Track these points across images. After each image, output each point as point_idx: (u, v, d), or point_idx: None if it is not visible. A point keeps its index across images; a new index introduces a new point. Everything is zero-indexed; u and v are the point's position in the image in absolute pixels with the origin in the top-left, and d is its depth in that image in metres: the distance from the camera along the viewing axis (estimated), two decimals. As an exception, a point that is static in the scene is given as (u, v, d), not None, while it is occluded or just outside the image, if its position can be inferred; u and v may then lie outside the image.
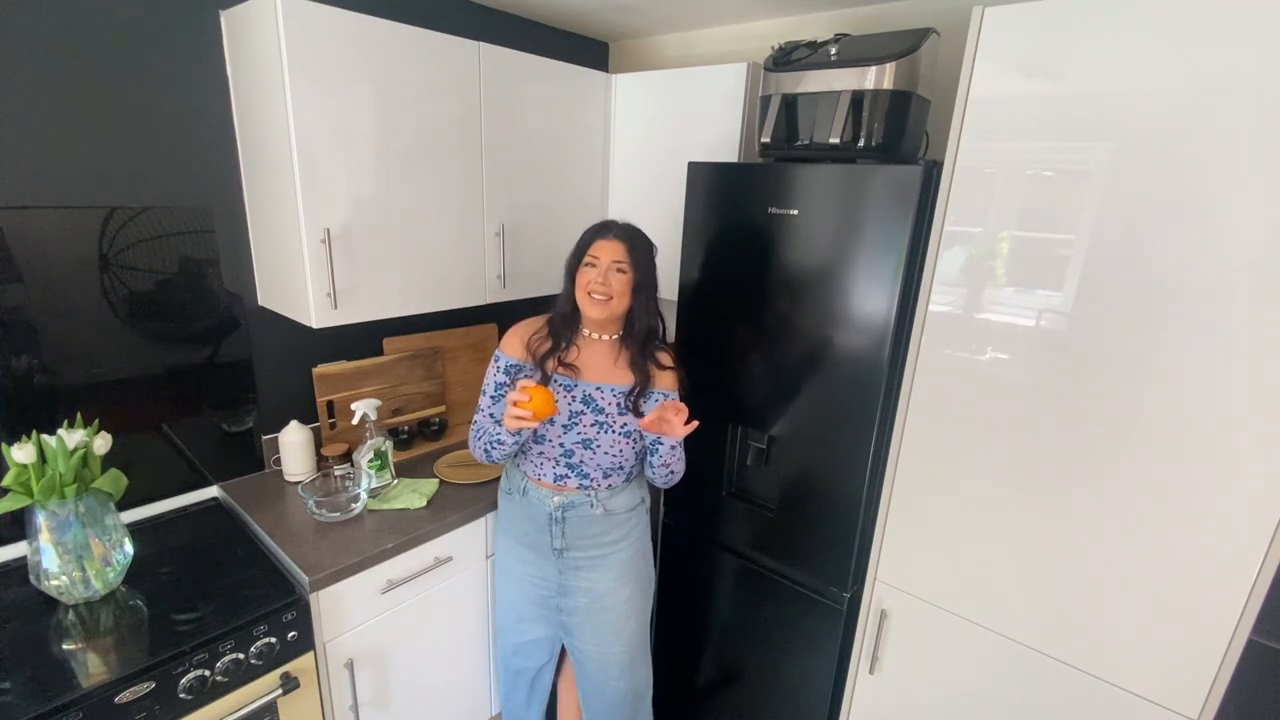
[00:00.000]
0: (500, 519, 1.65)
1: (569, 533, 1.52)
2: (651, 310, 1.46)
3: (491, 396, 1.50)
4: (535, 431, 1.46)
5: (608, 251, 1.41)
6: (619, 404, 1.46)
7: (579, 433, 1.45)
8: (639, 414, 1.44)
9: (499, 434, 1.42)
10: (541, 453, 1.49)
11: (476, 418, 1.53)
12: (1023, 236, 1.24)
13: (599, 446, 1.46)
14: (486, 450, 1.48)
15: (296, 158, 1.41)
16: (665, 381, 1.49)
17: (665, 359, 1.50)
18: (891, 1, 1.78)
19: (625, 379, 1.47)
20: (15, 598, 1.34)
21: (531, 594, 1.60)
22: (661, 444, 1.45)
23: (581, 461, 1.47)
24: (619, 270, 1.40)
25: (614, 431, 1.45)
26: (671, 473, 1.51)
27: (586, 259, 1.43)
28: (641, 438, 1.48)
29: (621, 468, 1.50)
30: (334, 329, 1.59)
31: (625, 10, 2.00)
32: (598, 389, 1.45)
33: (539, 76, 1.87)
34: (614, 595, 1.57)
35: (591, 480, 1.49)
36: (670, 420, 1.34)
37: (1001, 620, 1.39)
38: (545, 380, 1.45)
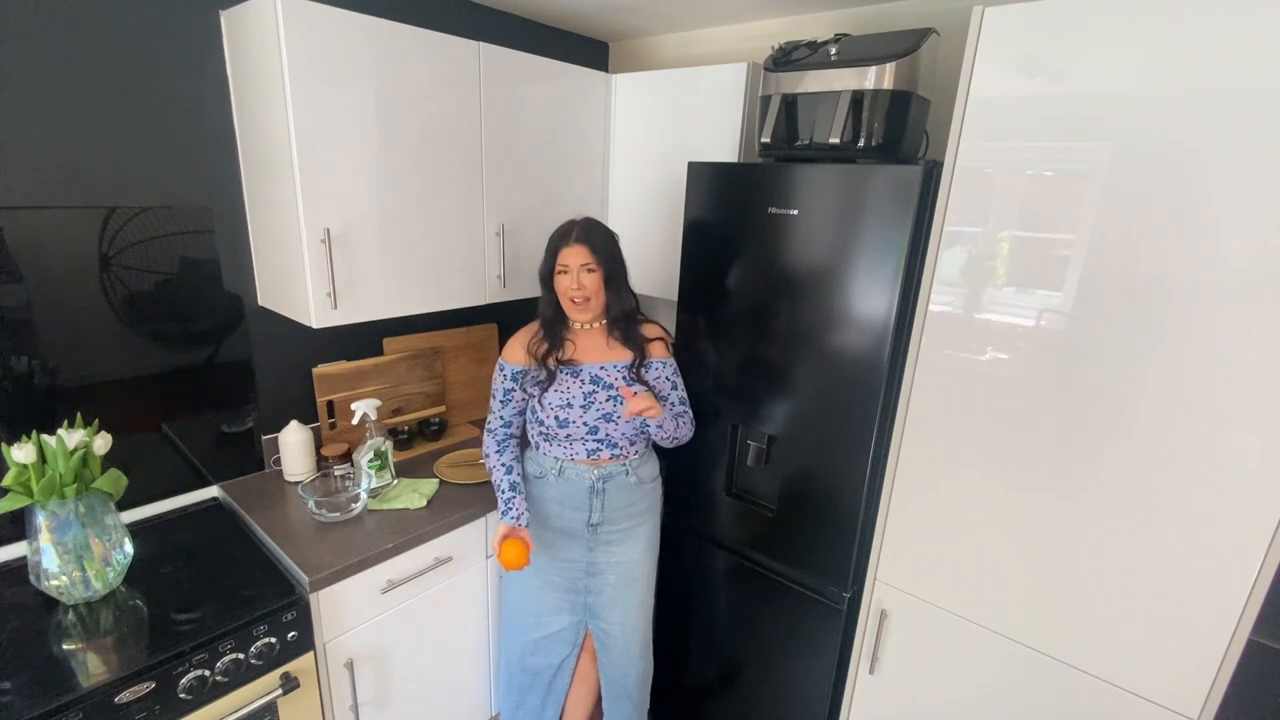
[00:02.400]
0: None
1: (608, 504, 1.59)
2: (624, 295, 1.57)
3: (501, 400, 1.61)
4: (557, 418, 1.55)
5: (574, 257, 1.50)
6: (624, 377, 1.57)
7: (598, 409, 1.55)
8: (645, 382, 1.57)
9: (499, 494, 1.56)
10: (569, 435, 1.56)
11: (490, 421, 1.63)
12: (1023, 236, 1.24)
13: (619, 417, 1.56)
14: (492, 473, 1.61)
15: (296, 158, 1.41)
16: (658, 350, 1.63)
17: (651, 330, 1.63)
18: (891, 1, 1.78)
19: (623, 355, 1.59)
20: (15, 598, 1.33)
21: (558, 580, 1.64)
22: (649, 425, 1.56)
23: (608, 435, 1.57)
24: (588, 271, 1.51)
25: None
26: (675, 439, 1.62)
27: (558, 268, 1.53)
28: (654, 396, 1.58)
29: (643, 432, 1.61)
30: (334, 329, 1.59)
31: (625, 10, 2.00)
32: (601, 368, 1.57)
33: (539, 76, 1.87)
34: (640, 568, 1.66)
35: (621, 449, 1.59)
36: (635, 407, 1.45)
37: (1001, 620, 1.39)
38: (550, 378, 1.54)
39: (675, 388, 1.63)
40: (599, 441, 1.56)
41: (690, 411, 1.65)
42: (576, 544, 1.62)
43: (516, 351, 1.58)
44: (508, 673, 1.77)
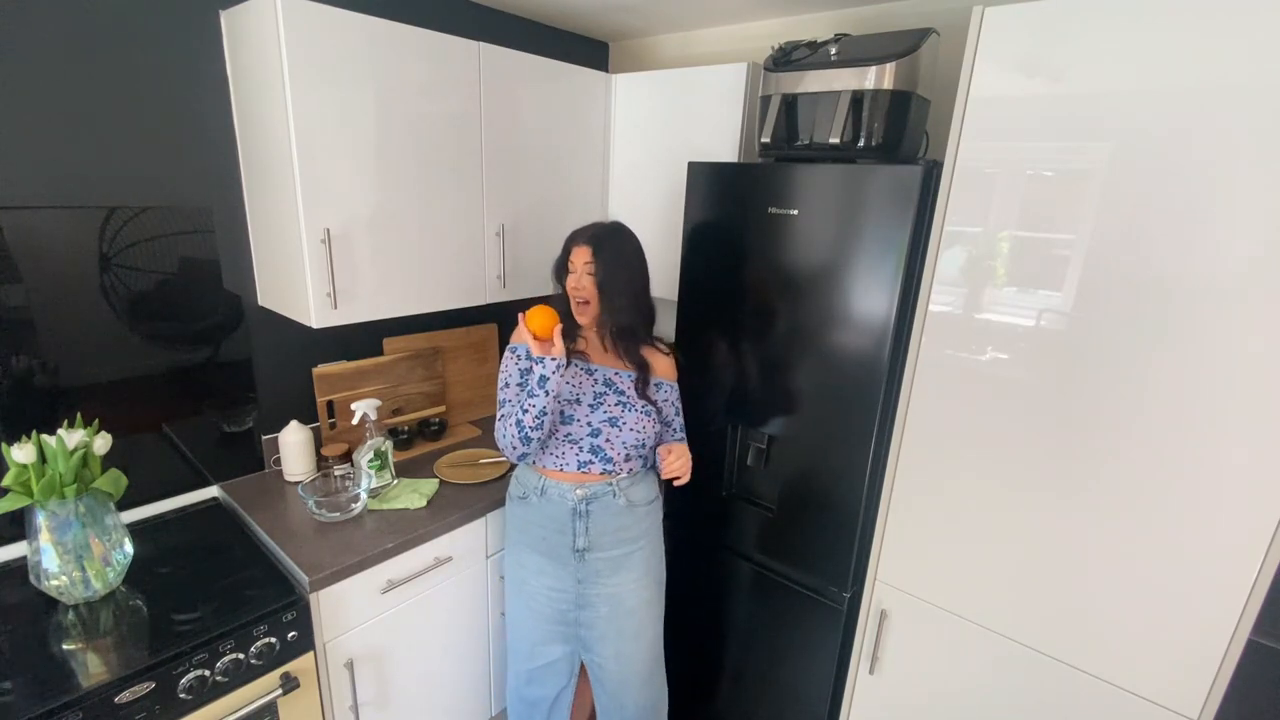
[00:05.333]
0: (511, 530, 1.61)
1: (593, 528, 1.51)
2: (622, 306, 1.47)
3: (519, 384, 1.50)
4: (563, 413, 1.48)
5: (579, 256, 1.47)
6: (634, 387, 1.53)
7: (605, 411, 1.50)
8: (650, 400, 1.53)
9: (531, 401, 1.40)
10: (569, 434, 1.48)
11: (503, 410, 1.50)
12: (1023, 236, 1.24)
13: (624, 424, 1.50)
14: (518, 421, 1.42)
15: (296, 158, 1.41)
16: (663, 369, 1.58)
17: (660, 348, 1.59)
18: (891, 1, 1.78)
19: (627, 368, 1.55)
20: (15, 598, 1.33)
21: (548, 610, 1.57)
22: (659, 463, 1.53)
23: (608, 441, 1.49)
24: (589, 273, 1.46)
25: (636, 410, 1.51)
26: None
27: (568, 266, 1.50)
28: (659, 415, 1.56)
29: (642, 445, 1.52)
30: (334, 329, 1.59)
31: (625, 10, 2.00)
32: (616, 374, 1.54)
33: (539, 76, 1.87)
34: (635, 597, 1.57)
35: (614, 464, 1.50)
36: (671, 469, 1.47)
37: (1001, 620, 1.39)
38: (567, 362, 1.46)
39: (678, 414, 1.60)
40: (594, 451, 1.48)
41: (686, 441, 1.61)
42: (563, 571, 1.53)
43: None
44: (510, 702, 1.73)
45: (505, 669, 1.76)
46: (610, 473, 1.51)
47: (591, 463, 1.49)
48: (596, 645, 1.58)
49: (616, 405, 1.50)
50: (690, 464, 1.48)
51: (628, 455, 1.51)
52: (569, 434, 1.49)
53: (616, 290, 1.46)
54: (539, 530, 1.54)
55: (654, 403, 1.54)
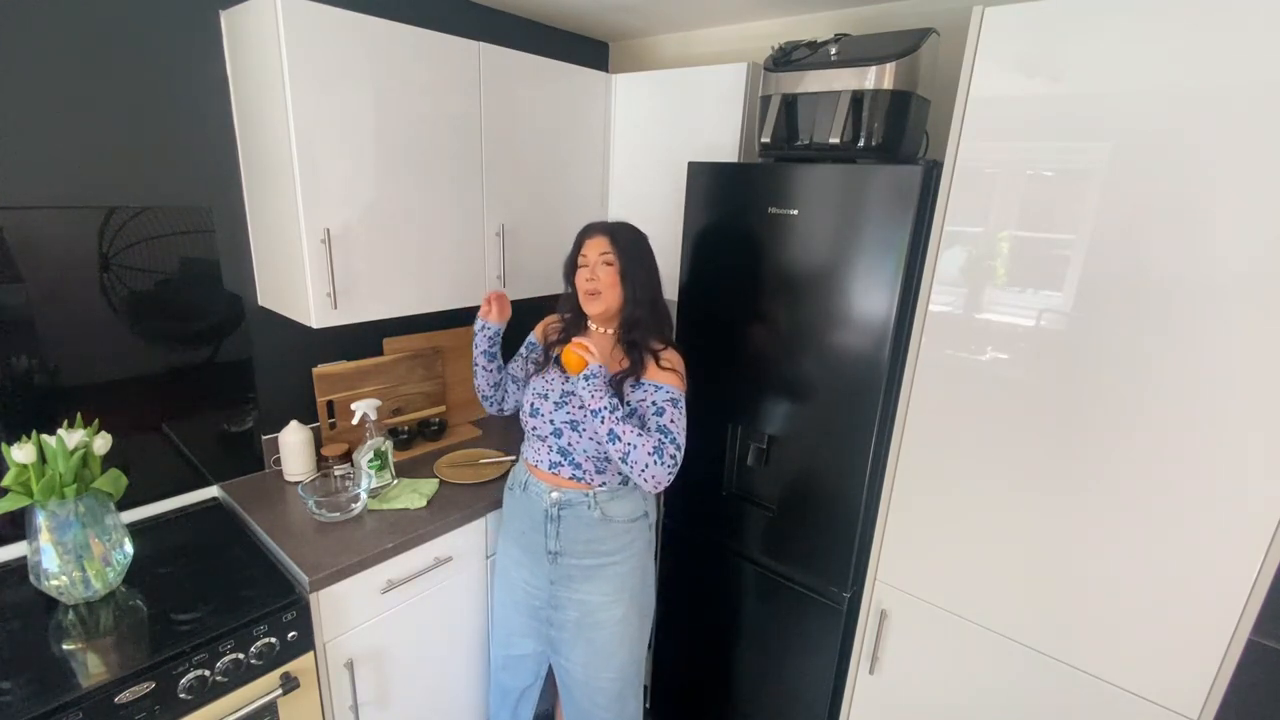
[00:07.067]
0: (505, 518, 1.66)
1: (564, 534, 1.50)
2: (641, 299, 1.45)
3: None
4: (532, 404, 1.54)
5: (594, 247, 1.46)
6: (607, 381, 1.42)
7: (568, 413, 1.48)
8: (621, 397, 1.42)
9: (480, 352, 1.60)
10: (535, 429, 1.53)
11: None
12: (1023, 236, 1.24)
13: (584, 430, 1.45)
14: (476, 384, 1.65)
15: (296, 158, 1.41)
16: (663, 375, 1.44)
17: (668, 359, 1.46)
18: (891, 1, 1.78)
19: (619, 367, 1.48)
20: (15, 598, 1.33)
21: (524, 603, 1.60)
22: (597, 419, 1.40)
23: (570, 445, 1.47)
24: (605, 262, 1.44)
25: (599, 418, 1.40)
26: (622, 450, 1.37)
27: (579, 260, 1.48)
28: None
29: (610, 460, 1.47)
30: (334, 329, 1.59)
31: (625, 10, 2.00)
32: None
33: (539, 76, 1.87)
34: (605, 612, 1.53)
35: (584, 471, 1.48)
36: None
37: (1001, 620, 1.39)
38: (545, 362, 1.58)
39: (660, 414, 1.39)
40: (561, 453, 1.48)
41: (670, 446, 1.37)
42: (538, 569, 1.55)
43: (538, 329, 1.66)
44: (491, 682, 1.77)
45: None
46: (580, 480, 1.48)
47: (561, 465, 1.49)
48: (565, 649, 1.57)
49: (580, 409, 1.46)
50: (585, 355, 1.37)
51: (598, 468, 1.48)
52: (535, 428, 1.53)
53: (636, 280, 1.45)
54: (519, 524, 1.58)
55: (621, 395, 1.42)
